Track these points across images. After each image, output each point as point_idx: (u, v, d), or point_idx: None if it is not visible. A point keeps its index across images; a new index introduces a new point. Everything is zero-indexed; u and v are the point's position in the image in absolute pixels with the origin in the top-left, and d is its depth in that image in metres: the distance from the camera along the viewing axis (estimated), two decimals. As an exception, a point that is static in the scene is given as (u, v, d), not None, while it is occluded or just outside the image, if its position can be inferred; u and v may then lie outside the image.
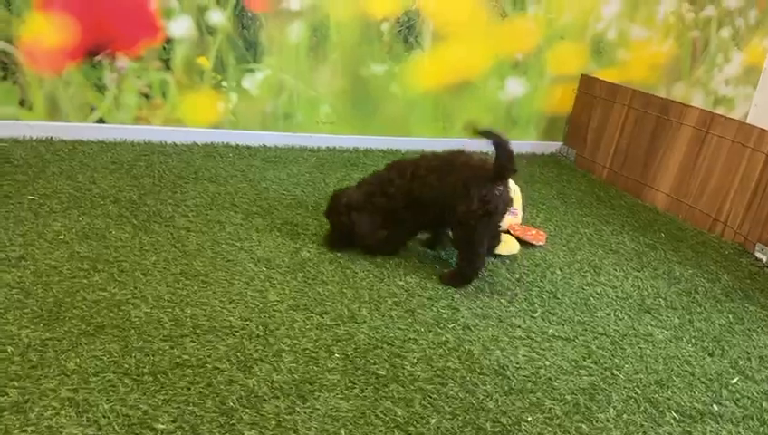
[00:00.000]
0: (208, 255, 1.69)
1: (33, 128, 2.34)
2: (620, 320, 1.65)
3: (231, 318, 1.43)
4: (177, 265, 1.61)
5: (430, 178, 1.66)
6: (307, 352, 1.35)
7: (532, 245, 2.00)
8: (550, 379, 1.38)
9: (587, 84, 3.00)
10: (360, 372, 1.31)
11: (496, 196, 1.61)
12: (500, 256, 1.89)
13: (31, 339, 1.27)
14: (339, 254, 1.78)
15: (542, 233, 2.04)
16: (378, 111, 2.75)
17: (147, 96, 2.43)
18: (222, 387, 1.21)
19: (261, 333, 1.39)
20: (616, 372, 1.43)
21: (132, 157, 2.31)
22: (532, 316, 1.60)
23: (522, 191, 2.17)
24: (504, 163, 1.57)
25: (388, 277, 1.70)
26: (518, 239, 1.96)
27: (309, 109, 2.67)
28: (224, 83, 2.51)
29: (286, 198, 2.14)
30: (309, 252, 1.78)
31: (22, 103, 2.31)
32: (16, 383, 1.16)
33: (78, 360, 1.23)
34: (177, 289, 1.50)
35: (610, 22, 3.01)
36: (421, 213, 1.69)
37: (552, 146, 3.16)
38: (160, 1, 2.31)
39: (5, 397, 1.13)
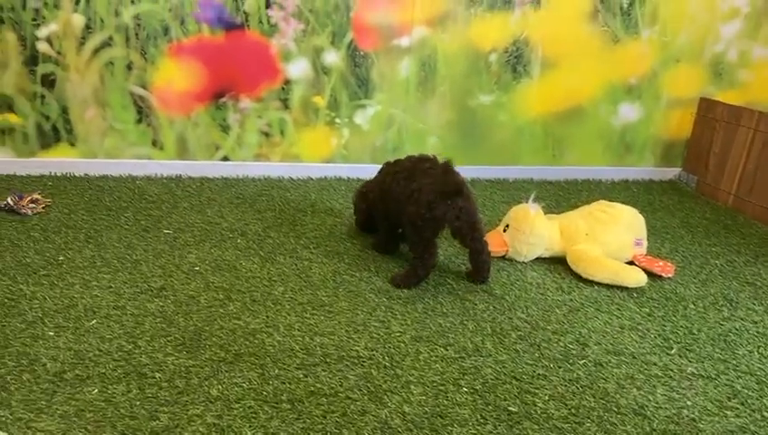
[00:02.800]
0: (331, 285, 1.73)
1: (165, 166, 2.53)
2: (765, 358, 1.52)
3: (357, 348, 1.45)
4: (304, 295, 1.66)
5: (396, 181, 1.80)
6: (435, 384, 1.34)
7: (659, 277, 1.90)
8: (693, 420, 1.28)
9: (707, 107, 2.84)
10: (490, 407, 1.28)
11: (446, 204, 1.68)
12: (627, 288, 1.81)
13: (176, 366, 1.34)
14: (455, 285, 1.78)
15: (669, 264, 1.93)
16: (485, 140, 2.74)
17: (267, 134, 2.56)
18: (356, 417, 1.23)
19: (387, 364, 1.40)
20: (766, 414, 1.31)
21: (254, 192, 2.43)
22: (667, 353, 1.51)
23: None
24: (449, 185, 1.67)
25: (509, 309, 1.66)
26: (645, 271, 1.87)
27: (417, 141, 2.70)
28: (337, 120, 2.59)
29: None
30: (426, 283, 1.78)
31: (154, 144, 2.50)
32: (166, 408, 1.23)
33: (220, 387, 1.29)
34: (305, 318, 1.55)
35: (730, 42, 2.85)
36: (392, 215, 1.83)
37: (671, 172, 3.01)
38: (280, 45, 2.45)
39: (157, 422, 1.19)
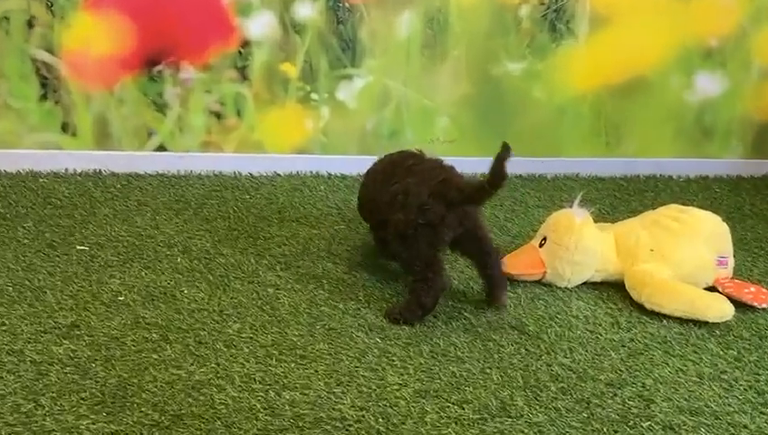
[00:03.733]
0: (305, 320, 1.73)
1: (79, 159, 2.53)
2: None
3: (341, 406, 1.44)
4: (268, 334, 1.66)
5: (373, 185, 1.90)
6: (446, 456, 1.34)
7: (751, 307, 1.90)
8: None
9: (814, 77, 2.86)
10: (522, 486, 1.28)
11: (443, 206, 1.72)
12: (707, 324, 1.81)
13: (92, 432, 1.34)
14: (474, 320, 1.78)
15: (764, 290, 1.94)
16: (515, 123, 2.75)
17: (218, 115, 2.56)
18: (338, 502, 1.22)
19: (382, 428, 1.39)
20: None
21: (201, 193, 2.43)
22: (762, 412, 1.51)
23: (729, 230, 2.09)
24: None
25: (548, 353, 1.67)
26: (730, 299, 1.87)
27: (422, 123, 2.71)
28: (313, 95, 2.60)
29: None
30: (435, 317, 1.78)
31: (64, 128, 2.51)
32: (79, 488, 1.22)
33: (153, 459, 1.28)
34: (269, 366, 1.54)
35: None
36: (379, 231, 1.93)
37: (766, 165, 3.02)
38: (235, -7, 2.47)
39: (67, 506, 1.19)
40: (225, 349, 1.59)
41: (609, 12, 2.70)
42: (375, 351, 1.63)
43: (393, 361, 1.60)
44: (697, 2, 2.75)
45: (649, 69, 2.79)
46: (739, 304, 1.89)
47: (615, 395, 1.54)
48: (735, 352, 1.72)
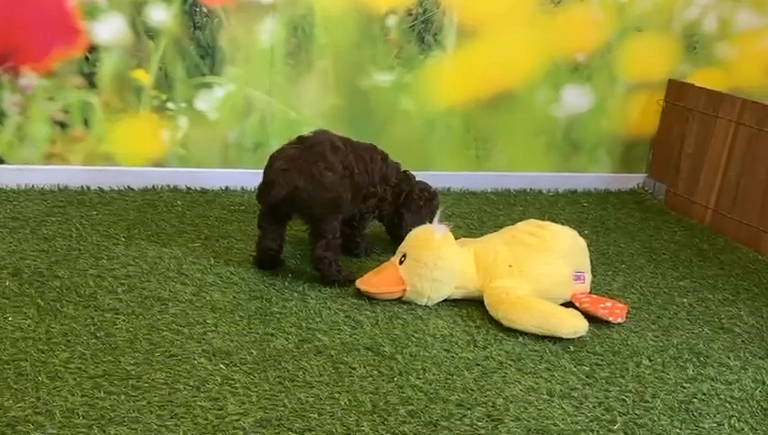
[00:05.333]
0: (143, 347, 1.67)
1: None
2: (739, 432, 1.60)
3: (173, 441, 1.40)
4: (99, 363, 1.59)
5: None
6: (283, 489, 1.31)
7: (606, 322, 1.96)
8: None
9: (677, 93, 3.00)
10: None
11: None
12: (561, 340, 1.85)
13: None
14: (328, 340, 1.77)
15: (620, 305, 2.01)
16: (384, 135, 2.76)
17: (62, 124, 2.48)
18: None
19: (216, 463, 1.35)
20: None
21: (42, 210, 2.34)
22: (609, 429, 1.56)
23: (589, 245, 2.15)
24: None
25: (401, 374, 1.66)
26: (585, 315, 1.93)
27: (288, 135, 2.59)
28: (170, 105, 2.55)
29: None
30: (286, 340, 1.76)
31: None
32: None
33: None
34: (96, 399, 1.48)
35: (706, 7, 3.03)
36: None
37: (632, 179, 3.15)
38: (81, -5, 2.39)
39: None
40: (47, 381, 1.51)
41: (477, 24, 2.76)
42: (217, 378, 1.59)
43: (236, 388, 1.56)
44: (565, 16, 2.85)
45: (518, 82, 2.87)
46: (595, 320, 1.96)
47: (464, 416, 1.54)
48: (587, 369, 1.76)
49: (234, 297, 1.94)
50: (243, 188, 2.71)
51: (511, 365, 1.74)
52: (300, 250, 2.25)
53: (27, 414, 1.42)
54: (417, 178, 2.36)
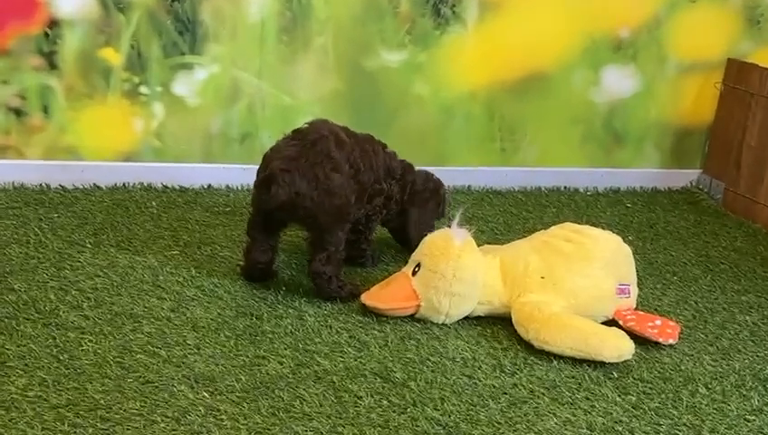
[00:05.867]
0: (113, 372, 1.67)
1: None
2: (812, 472, 1.60)
3: (149, 482, 1.41)
4: (62, 391, 1.60)
5: None
6: None
7: (656, 343, 1.96)
8: None
9: (738, 74, 3.00)
10: None
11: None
12: (603, 364, 1.85)
13: None
14: (330, 365, 1.77)
15: (671, 324, 2.01)
16: (393, 124, 2.78)
17: (17, 112, 2.49)
18: None
19: (200, 507, 1.36)
20: None
21: (-7, 212, 2.35)
22: (660, 468, 1.56)
23: (635, 252, 2.15)
24: None
25: (414, 404, 1.66)
26: (631, 335, 1.93)
27: (281, 124, 2.65)
28: (143, 89, 2.56)
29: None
30: (281, 364, 1.76)
31: None
32: None
33: None
34: (59, 432, 1.48)
35: (772, -27, 3.04)
36: None
37: (685, 176, 3.15)
38: (40, -39, 2.40)
39: None
40: (2, 412, 1.51)
41: (503, -5, 2.76)
42: (200, 409, 1.58)
43: (222, 421, 1.56)
44: (605, -15, 2.85)
45: (550, 63, 2.87)
46: (643, 341, 1.95)
47: (489, 454, 1.55)
48: (634, 398, 1.76)
49: (218, 314, 1.94)
50: (228, 187, 2.71)
51: (544, 394, 1.74)
52: (296, 259, 2.26)
53: (-21, 451, 1.43)
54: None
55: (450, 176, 2.84)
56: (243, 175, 2.68)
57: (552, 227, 2.12)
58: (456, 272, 1.94)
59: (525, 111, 2.88)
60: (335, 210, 1.99)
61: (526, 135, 2.92)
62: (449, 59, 2.77)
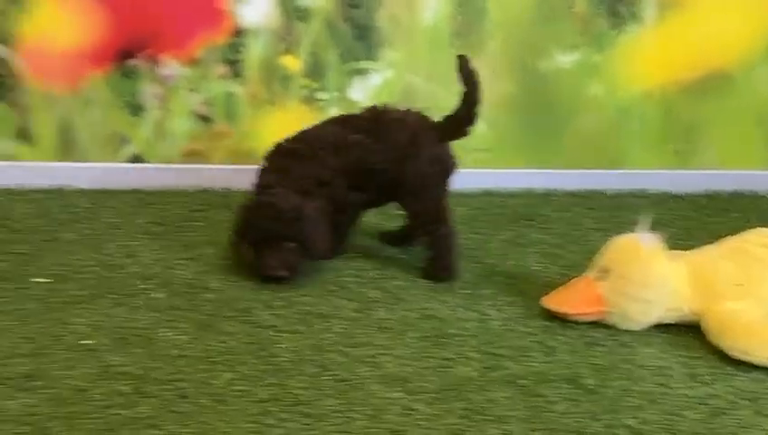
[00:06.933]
0: (310, 370, 1.72)
1: (37, 172, 2.55)
2: None
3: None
4: (265, 386, 1.65)
5: (366, 142, 2.13)
6: None
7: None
8: None
9: None
10: None
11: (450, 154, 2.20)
12: (757, 367, 1.80)
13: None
14: (518, 370, 1.77)
15: None
16: (566, 128, 2.75)
17: (204, 118, 2.58)
18: None
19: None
20: None
21: (182, 213, 2.46)
22: None
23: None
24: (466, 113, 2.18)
25: (609, 411, 1.64)
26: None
27: (452, 128, 2.71)
28: (321, 94, 2.61)
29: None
30: (470, 366, 1.77)
31: (21, 136, 2.53)
32: None
33: None
34: (266, 426, 1.54)
35: None
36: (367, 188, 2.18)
37: None
38: (226, -27, 2.49)
39: None
40: (211, 404, 1.59)
41: (684, -9, 2.70)
42: (396, 408, 1.61)
43: (418, 421, 1.58)
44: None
45: (732, 61, 2.77)
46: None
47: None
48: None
49: (402, 316, 1.97)
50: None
51: (746, 406, 1.69)
52: (471, 264, 2.27)
53: (193, 441, 1.50)
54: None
55: (626, 179, 2.81)
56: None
57: (745, 233, 2.04)
58: (646, 278, 1.91)
59: (704, 112, 2.80)
60: None
61: (704, 137, 2.83)
62: (625, 59, 2.71)
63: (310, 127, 2.20)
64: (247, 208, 2.10)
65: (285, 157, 2.15)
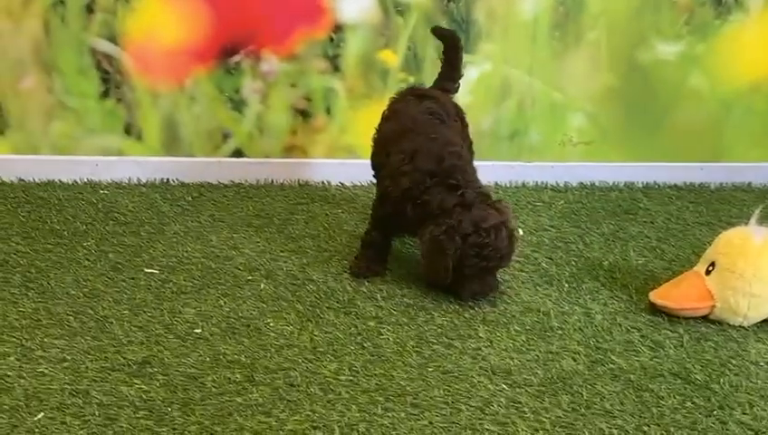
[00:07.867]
0: (414, 361, 1.74)
1: (144, 166, 2.62)
2: None
3: (464, 468, 1.45)
4: (371, 376, 1.68)
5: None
6: None
7: None
8: None
9: None
10: None
11: None
12: None
13: (169, 487, 1.38)
14: (625, 365, 1.75)
15: None
16: (668, 120, 2.71)
17: (303, 113, 2.62)
18: None
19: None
20: None
21: (284, 207, 2.50)
22: None
23: None
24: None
25: (721, 407, 1.62)
26: None
27: (551, 121, 2.70)
28: (418, 88, 2.62)
29: (524, 266, 2.17)
30: (574, 360, 1.77)
31: (128, 131, 2.60)
32: None
33: None
34: (374, 416, 1.56)
35: None
36: None
37: None
38: (326, -31, 2.52)
39: None
40: (320, 393, 1.62)
41: (793, -21, 2.63)
42: (501, 400, 1.63)
43: (524, 413, 1.59)
44: None
45: None
46: None
47: None
48: None
49: (505, 309, 1.97)
50: (496, 183, 2.71)
51: None
52: (572, 258, 2.25)
53: (305, 428, 1.53)
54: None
55: (729, 172, 2.77)
56: (510, 172, 2.71)
57: None
58: (755, 271, 1.87)
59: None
60: None
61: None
62: (729, 50, 2.65)
63: None
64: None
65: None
